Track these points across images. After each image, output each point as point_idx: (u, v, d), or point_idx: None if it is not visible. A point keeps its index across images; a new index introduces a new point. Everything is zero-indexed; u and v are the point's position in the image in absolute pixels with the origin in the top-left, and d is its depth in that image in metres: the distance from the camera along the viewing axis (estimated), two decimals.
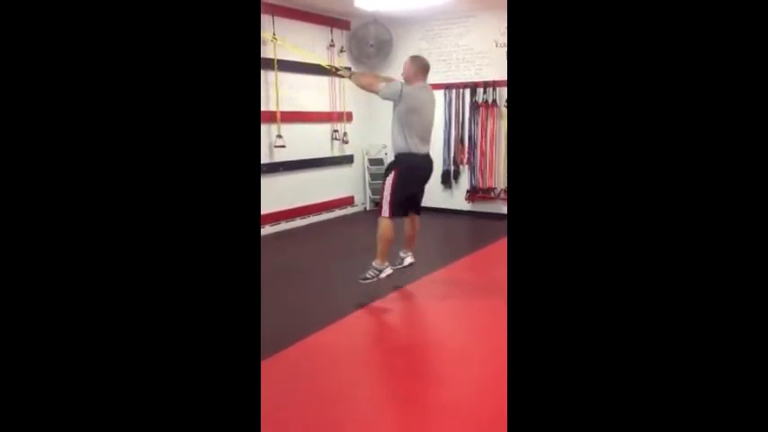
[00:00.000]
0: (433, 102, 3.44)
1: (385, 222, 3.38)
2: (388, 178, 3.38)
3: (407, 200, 3.48)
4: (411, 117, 3.29)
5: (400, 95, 3.25)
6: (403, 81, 3.40)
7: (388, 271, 3.46)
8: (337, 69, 3.78)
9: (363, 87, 3.46)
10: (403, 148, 3.34)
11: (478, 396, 2.34)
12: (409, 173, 3.37)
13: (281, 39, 4.66)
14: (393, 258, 3.69)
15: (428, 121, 3.41)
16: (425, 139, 3.42)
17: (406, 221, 3.66)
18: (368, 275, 3.47)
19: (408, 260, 3.73)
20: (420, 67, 3.38)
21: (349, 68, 3.63)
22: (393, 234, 3.41)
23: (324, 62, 4.99)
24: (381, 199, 3.41)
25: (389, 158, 6.46)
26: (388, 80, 3.52)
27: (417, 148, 3.35)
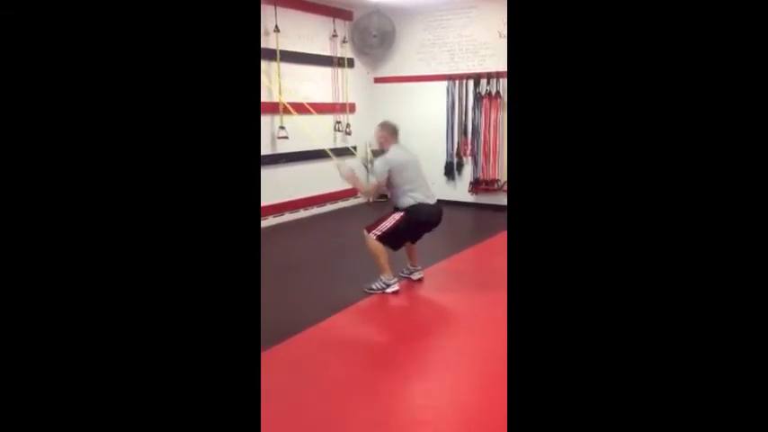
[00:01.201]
0: (410, 154, 3.60)
1: (372, 241, 3.43)
2: (396, 213, 3.46)
3: (405, 239, 3.57)
4: (403, 175, 3.45)
5: (388, 164, 3.44)
6: (383, 152, 3.55)
7: (395, 287, 3.51)
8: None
9: (377, 192, 3.55)
10: (411, 202, 3.45)
11: (479, 390, 2.36)
12: (416, 219, 3.46)
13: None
14: (399, 265, 3.73)
15: (418, 172, 3.56)
16: (424, 186, 3.56)
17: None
18: (373, 286, 3.51)
19: (417, 275, 3.77)
20: (390, 130, 3.59)
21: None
22: (384, 246, 3.46)
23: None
24: (380, 222, 3.45)
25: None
26: (374, 171, 3.59)
27: (423, 198, 3.48)
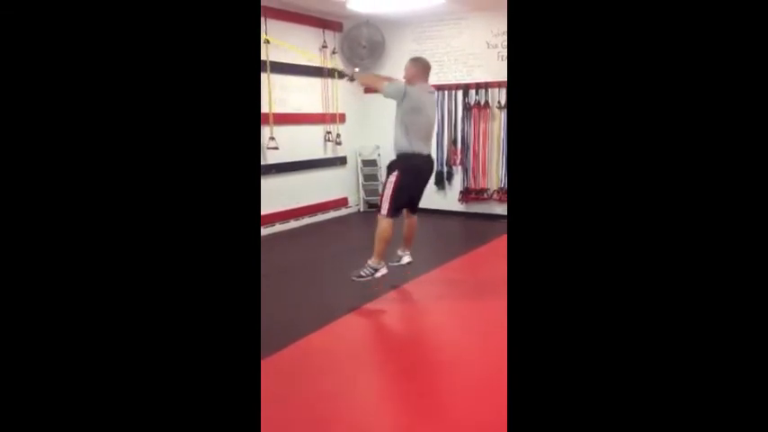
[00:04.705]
0: (433, 103, 3.48)
1: (385, 222, 3.37)
2: (390, 177, 3.36)
3: (406, 195, 3.48)
4: (413, 117, 3.29)
5: (404, 94, 3.25)
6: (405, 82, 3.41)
7: (384, 271, 3.45)
8: (340, 73, 3.76)
9: (367, 86, 3.48)
10: (406, 148, 3.33)
11: (476, 395, 2.35)
12: (412, 173, 3.37)
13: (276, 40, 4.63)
14: (390, 256, 3.71)
15: (430, 122, 3.42)
16: (427, 138, 3.44)
17: (405, 222, 3.69)
18: (362, 273, 3.44)
19: (406, 259, 3.75)
20: (421, 68, 3.41)
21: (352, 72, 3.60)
22: (392, 234, 3.40)
23: (324, 63, 4.95)
24: (381, 197, 3.39)
25: (382, 159, 6.53)
26: (390, 80, 3.49)
27: (420, 148, 3.36)
